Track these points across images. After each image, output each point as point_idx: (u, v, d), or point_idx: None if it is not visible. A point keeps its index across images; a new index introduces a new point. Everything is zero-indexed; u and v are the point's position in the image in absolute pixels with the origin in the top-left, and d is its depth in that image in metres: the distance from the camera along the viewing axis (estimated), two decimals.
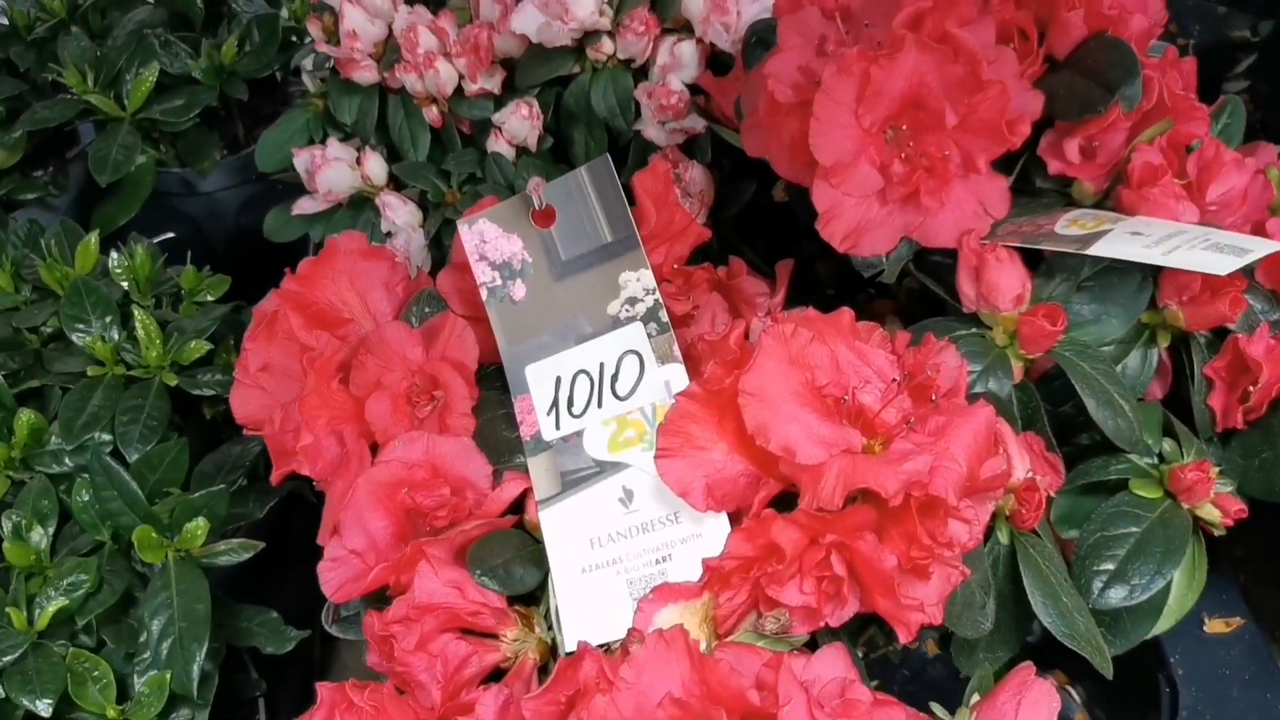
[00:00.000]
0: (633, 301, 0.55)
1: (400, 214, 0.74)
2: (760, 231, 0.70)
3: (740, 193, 0.71)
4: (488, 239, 0.57)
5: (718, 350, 0.51)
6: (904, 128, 0.60)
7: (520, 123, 0.72)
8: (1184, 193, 0.63)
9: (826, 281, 0.76)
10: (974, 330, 0.62)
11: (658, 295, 0.54)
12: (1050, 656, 0.81)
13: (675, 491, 0.50)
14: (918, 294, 0.74)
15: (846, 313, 0.54)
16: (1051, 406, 0.63)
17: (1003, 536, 0.56)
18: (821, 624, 0.50)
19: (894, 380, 0.51)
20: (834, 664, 0.48)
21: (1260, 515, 0.87)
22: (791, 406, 0.49)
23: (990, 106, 0.59)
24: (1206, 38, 1.12)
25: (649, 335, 0.54)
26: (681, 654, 0.44)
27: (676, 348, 0.54)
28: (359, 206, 0.78)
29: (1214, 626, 0.72)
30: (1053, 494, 0.60)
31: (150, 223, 0.97)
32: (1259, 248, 0.58)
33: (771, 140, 0.63)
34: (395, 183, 0.77)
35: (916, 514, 0.48)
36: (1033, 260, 0.63)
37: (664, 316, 0.54)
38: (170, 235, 0.99)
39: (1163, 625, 0.62)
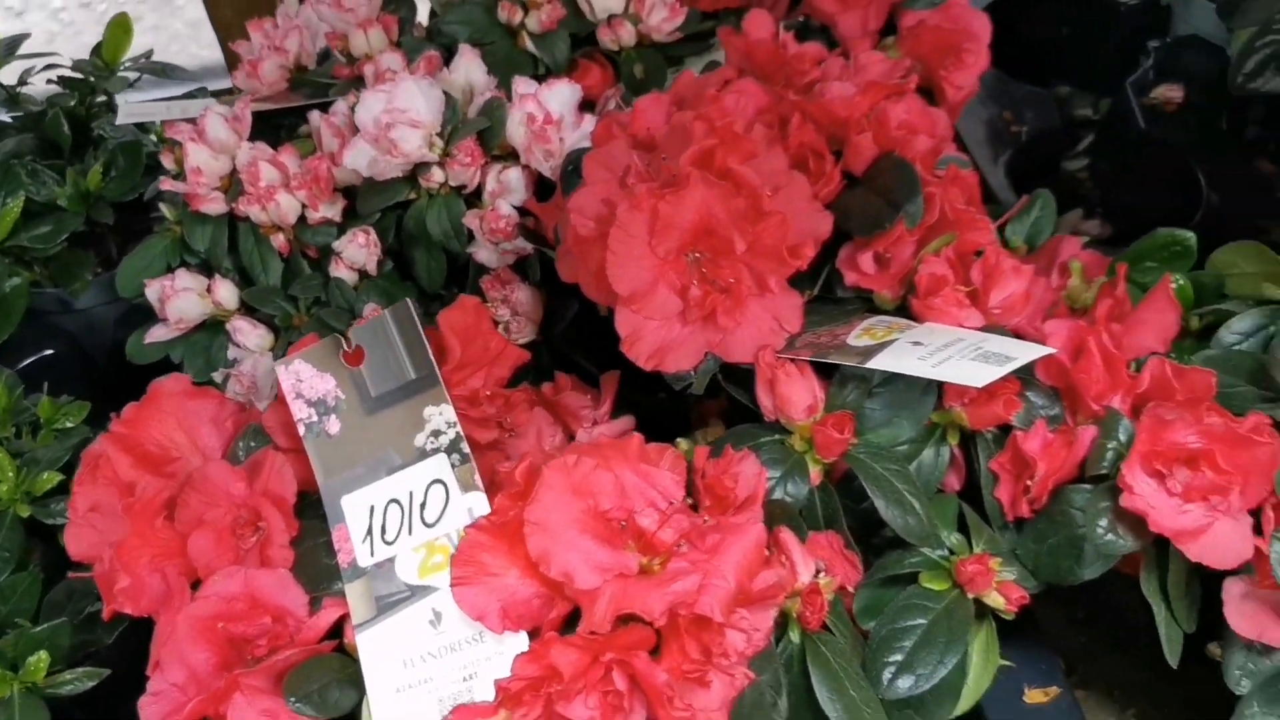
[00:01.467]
0: (437, 434, 0.59)
1: (250, 338, 0.77)
2: (598, 343, 0.74)
3: (565, 310, 0.75)
4: (303, 378, 0.60)
5: (506, 482, 0.55)
6: (700, 253, 0.65)
7: (358, 250, 0.76)
8: (967, 300, 0.68)
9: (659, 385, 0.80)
10: (775, 437, 0.66)
11: (459, 428, 0.58)
12: None
13: (472, 616, 0.54)
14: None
15: (635, 439, 0.58)
16: (855, 504, 0.68)
17: (794, 636, 0.60)
18: None
19: (672, 502, 0.55)
20: None
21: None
22: (571, 534, 0.53)
23: (772, 234, 0.63)
24: (1042, 123, 1.19)
25: (452, 465, 0.58)
26: None
27: (477, 476, 0.58)
28: (215, 329, 0.81)
29: (1033, 697, 0.76)
30: (851, 589, 0.64)
31: (28, 340, 1.00)
32: (1023, 355, 0.63)
33: (580, 268, 0.67)
34: (247, 307, 0.80)
35: (690, 630, 0.52)
36: (831, 368, 0.68)
37: (465, 448, 0.58)
38: (49, 352, 1.01)
39: (963, 705, 0.66)
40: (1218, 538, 0.60)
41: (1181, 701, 0.89)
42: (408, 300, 0.57)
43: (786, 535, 0.59)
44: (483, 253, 0.76)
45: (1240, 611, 0.63)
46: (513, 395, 0.66)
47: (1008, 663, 0.77)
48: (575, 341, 0.76)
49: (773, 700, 0.57)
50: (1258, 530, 0.62)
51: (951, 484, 0.70)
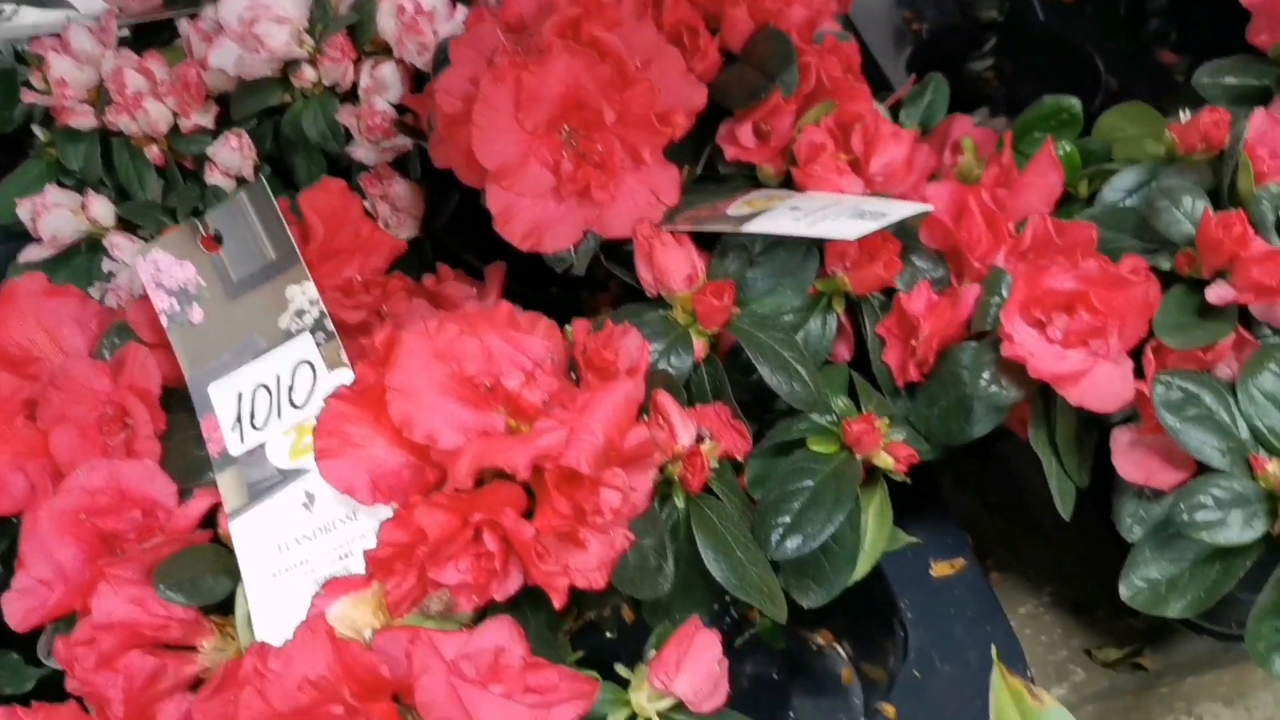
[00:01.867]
0: (300, 314, 0.57)
1: (128, 253, 0.75)
2: (483, 237, 0.73)
3: (446, 204, 0.74)
4: (162, 268, 0.59)
5: (368, 351, 0.53)
6: (571, 128, 0.64)
7: (231, 154, 0.74)
8: (847, 167, 0.68)
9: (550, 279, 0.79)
10: (660, 312, 0.65)
11: (321, 306, 0.57)
12: (814, 617, 0.85)
13: (340, 490, 0.53)
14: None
15: (505, 306, 0.57)
16: (745, 378, 0.67)
17: (679, 502, 0.59)
18: (489, 599, 0.52)
19: (542, 367, 0.54)
20: (496, 636, 0.51)
21: (975, 462, 0.93)
22: (434, 398, 0.52)
23: (640, 102, 0.62)
24: (943, 21, 1.19)
25: (318, 344, 0.57)
26: (324, 641, 0.47)
27: (344, 354, 0.56)
28: (95, 249, 0.79)
29: (940, 570, 0.76)
30: (740, 457, 0.63)
31: None
32: (897, 211, 0.62)
33: (451, 150, 0.66)
34: (126, 223, 0.78)
35: (560, 486, 0.51)
36: (714, 244, 0.67)
37: (329, 325, 0.57)
38: None
39: (861, 570, 0.66)
40: (1097, 381, 0.60)
41: (1092, 578, 0.90)
42: (262, 179, 0.56)
43: (664, 398, 0.58)
44: (361, 151, 0.74)
45: (1128, 459, 0.63)
46: (390, 283, 0.65)
47: (914, 540, 0.78)
48: (458, 235, 0.75)
49: (657, 564, 0.57)
50: (1139, 374, 0.62)
51: (842, 354, 0.69)
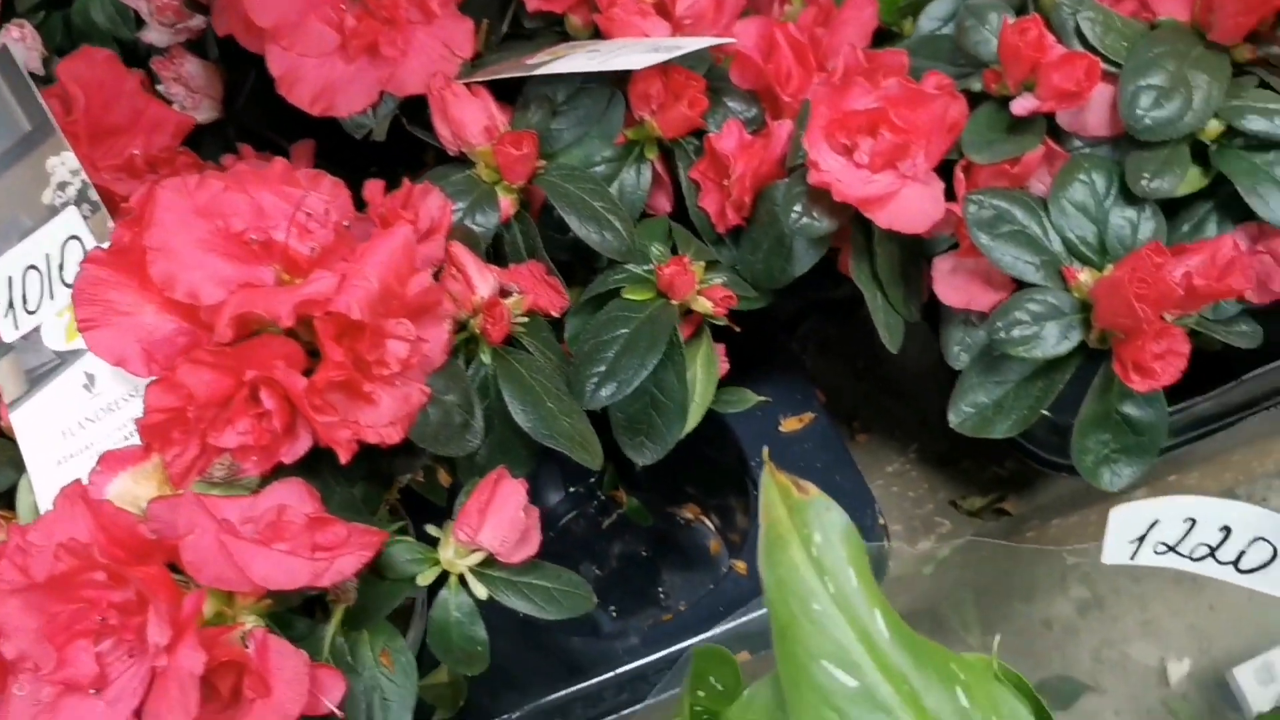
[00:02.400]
0: (63, 186, 0.54)
1: None
2: (288, 116, 0.70)
3: (245, 82, 0.71)
4: None
5: (124, 214, 0.51)
6: None
7: (15, 47, 0.70)
8: (651, 9, 0.65)
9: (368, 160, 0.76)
10: (465, 172, 0.63)
11: (84, 176, 0.54)
12: (681, 494, 0.85)
13: (110, 362, 0.50)
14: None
15: (279, 162, 0.54)
16: (562, 236, 0.65)
17: (486, 357, 0.57)
18: (275, 463, 0.50)
19: (315, 218, 0.52)
20: (281, 496, 0.49)
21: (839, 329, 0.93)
22: (197, 255, 0.49)
23: None
24: None
25: (84, 217, 0.54)
26: (82, 509, 0.44)
27: (112, 224, 0.53)
28: None
29: (789, 425, 0.76)
30: (557, 314, 0.62)
31: None
32: (691, 43, 0.60)
33: (230, 16, 0.63)
34: None
35: (339, 337, 0.49)
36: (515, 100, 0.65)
37: (94, 196, 0.54)
38: None
39: (692, 421, 0.64)
40: (906, 203, 0.59)
41: (950, 433, 0.90)
42: (5, 45, 0.52)
43: (458, 249, 0.56)
44: (154, 35, 0.71)
45: (949, 285, 0.63)
46: (179, 161, 0.62)
47: (764, 399, 0.77)
48: (263, 115, 0.72)
49: (463, 420, 0.55)
50: (951, 196, 0.61)
51: (662, 206, 0.68)
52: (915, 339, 0.65)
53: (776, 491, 0.40)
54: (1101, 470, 0.61)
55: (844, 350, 0.95)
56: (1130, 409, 0.60)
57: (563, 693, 0.68)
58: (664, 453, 0.64)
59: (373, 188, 0.58)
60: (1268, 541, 0.45)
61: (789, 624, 0.39)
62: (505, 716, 0.67)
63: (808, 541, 0.39)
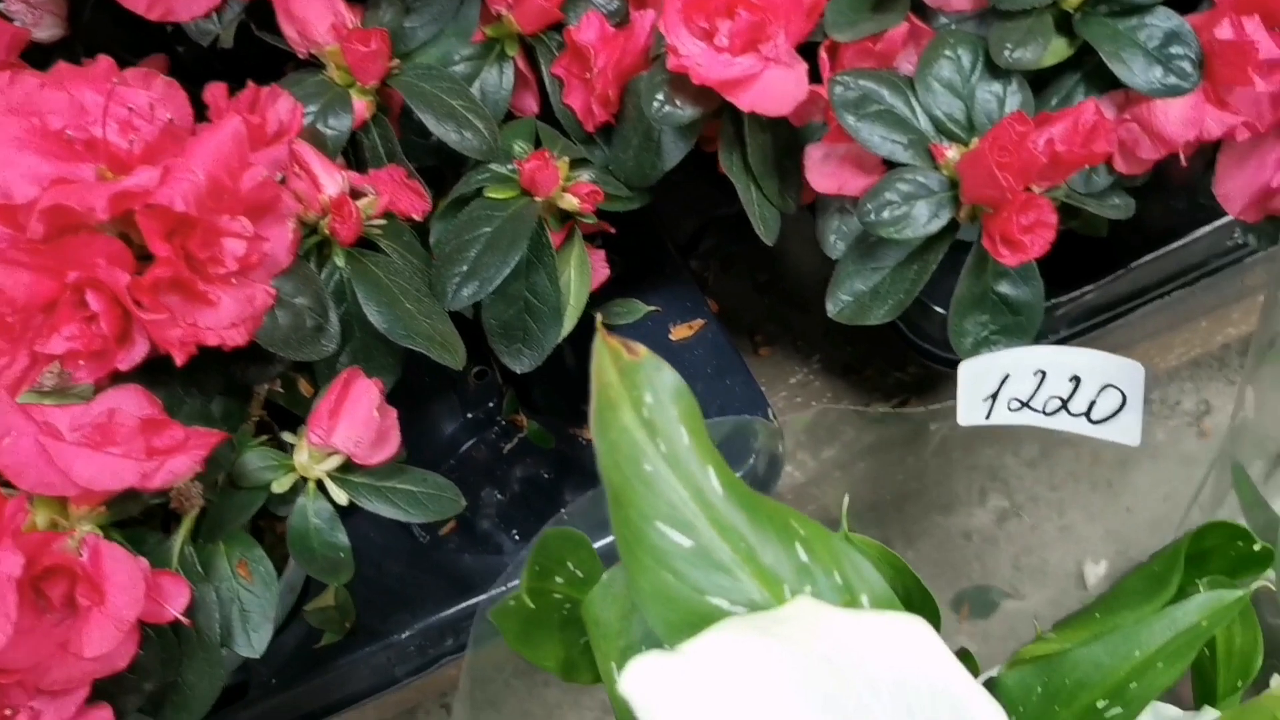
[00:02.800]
0: None
1: None
2: (140, 29, 0.67)
3: None
4: None
5: None
6: None
7: None
8: None
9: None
10: (318, 76, 0.61)
11: None
12: (581, 418, 0.83)
13: None
14: None
15: (105, 59, 0.52)
16: (425, 140, 0.63)
17: (339, 260, 0.55)
18: (110, 369, 0.48)
19: (142, 114, 0.50)
20: (114, 402, 0.47)
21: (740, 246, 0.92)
22: (9, 152, 0.47)
23: None
24: None
25: None
26: None
27: None
28: None
29: (679, 333, 0.75)
30: (419, 217, 0.60)
31: None
32: None
33: None
34: None
35: (173, 237, 0.47)
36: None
37: None
38: None
39: (569, 324, 0.63)
40: (768, 86, 0.57)
41: (852, 341, 0.89)
42: None
43: (303, 146, 0.54)
44: None
45: (821, 172, 0.61)
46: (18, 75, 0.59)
47: (654, 309, 0.76)
48: (111, 32, 0.69)
49: (316, 324, 0.53)
50: (816, 79, 0.60)
51: (529, 107, 0.66)
52: (814, 251, 0.64)
53: (608, 355, 0.39)
54: (981, 351, 0.60)
55: (745, 266, 0.94)
56: (1006, 288, 0.59)
57: (453, 609, 0.67)
58: (541, 358, 0.63)
59: (215, 91, 0.56)
60: (1116, 388, 0.44)
61: (622, 488, 0.38)
62: (395, 636, 0.66)
63: (638, 403, 0.38)
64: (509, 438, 0.84)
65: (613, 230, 0.65)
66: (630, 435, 0.38)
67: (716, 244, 0.95)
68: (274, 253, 0.51)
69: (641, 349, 0.39)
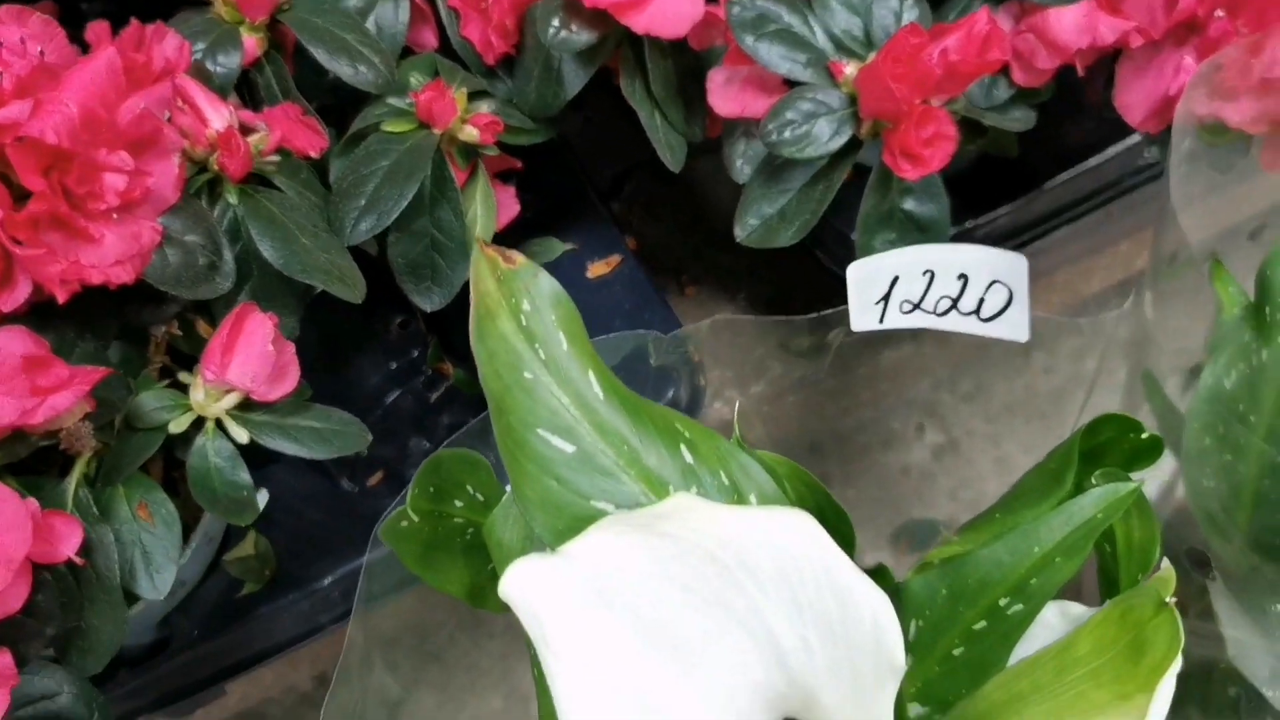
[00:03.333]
0: None
1: None
2: None
3: None
4: None
5: None
6: None
7: None
8: None
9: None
10: (207, 15, 0.59)
11: None
12: None
13: None
14: None
15: None
16: (321, 79, 0.62)
17: (232, 197, 0.54)
18: None
19: (11, 50, 0.48)
20: (4, 343, 0.46)
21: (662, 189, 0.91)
22: None
23: None
24: None
25: None
26: None
27: None
28: None
29: (596, 270, 0.74)
30: (315, 155, 0.59)
31: None
32: None
33: None
34: None
35: (50, 172, 0.46)
36: None
37: None
38: None
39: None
40: (661, 6, 0.57)
41: (776, 277, 0.89)
42: None
43: (187, 82, 0.53)
44: None
45: (724, 96, 0.61)
46: None
47: (570, 247, 0.75)
48: None
49: (209, 261, 0.52)
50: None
51: (429, 42, 0.65)
52: (736, 191, 0.63)
53: (485, 265, 0.39)
54: None
55: (668, 209, 0.94)
56: (911, 205, 0.59)
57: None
58: (451, 295, 0.62)
59: (97, 29, 0.55)
60: (1003, 284, 0.44)
61: (502, 396, 0.38)
62: (317, 583, 0.66)
63: (516, 311, 0.38)
64: (435, 386, 0.84)
65: (520, 166, 0.65)
66: (508, 343, 0.37)
67: (639, 188, 0.95)
68: (159, 189, 0.50)
69: (519, 257, 0.38)
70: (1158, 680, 0.35)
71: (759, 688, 0.38)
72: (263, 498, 0.69)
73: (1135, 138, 0.76)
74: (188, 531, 0.62)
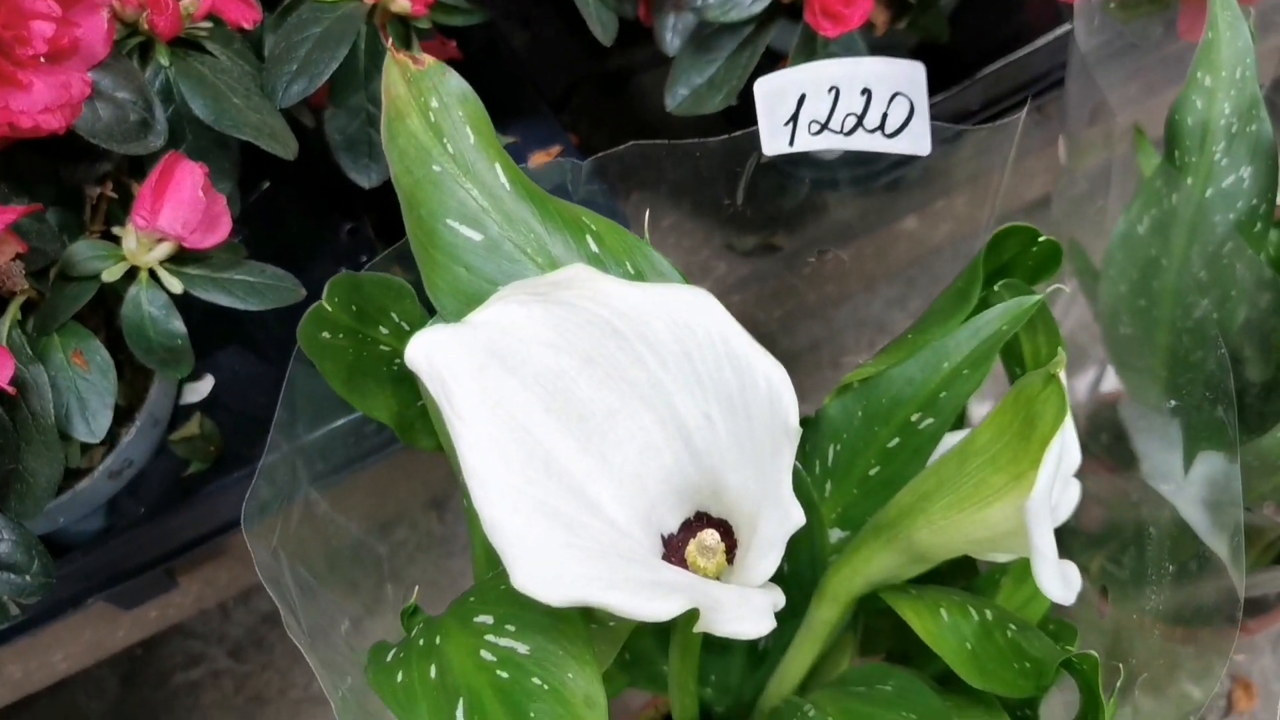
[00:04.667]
0: None
1: None
2: None
3: None
4: None
5: None
6: None
7: None
8: None
9: None
10: None
11: None
12: None
13: None
14: None
15: None
16: None
17: (164, 59, 0.55)
18: None
19: None
20: None
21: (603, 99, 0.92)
22: None
23: None
24: None
25: None
26: None
27: None
28: None
29: (537, 159, 0.75)
30: (249, 26, 0.60)
31: None
32: None
33: None
34: None
35: None
36: None
37: None
38: None
39: None
40: None
41: (727, 180, 0.90)
42: None
43: None
44: None
45: None
46: None
47: (512, 139, 0.76)
48: None
49: (140, 118, 0.53)
50: None
51: None
52: None
53: (396, 70, 0.40)
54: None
55: (615, 121, 0.95)
56: None
57: (321, 430, 0.67)
58: (388, 173, 0.63)
59: None
60: (904, 96, 0.46)
61: (413, 190, 0.39)
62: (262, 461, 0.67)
63: (425, 109, 0.39)
64: None
65: (459, 56, 0.66)
66: (418, 139, 0.39)
67: (585, 101, 0.96)
68: (88, 41, 0.51)
69: (428, 59, 0.39)
70: (1043, 450, 0.37)
71: (669, 475, 0.39)
72: (208, 383, 0.70)
73: (1065, 28, 0.77)
74: (132, 411, 0.63)
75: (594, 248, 0.39)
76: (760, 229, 0.87)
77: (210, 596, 0.82)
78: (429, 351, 0.34)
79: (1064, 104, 0.60)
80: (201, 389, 0.69)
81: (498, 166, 0.39)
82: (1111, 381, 0.74)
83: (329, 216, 0.81)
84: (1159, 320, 0.57)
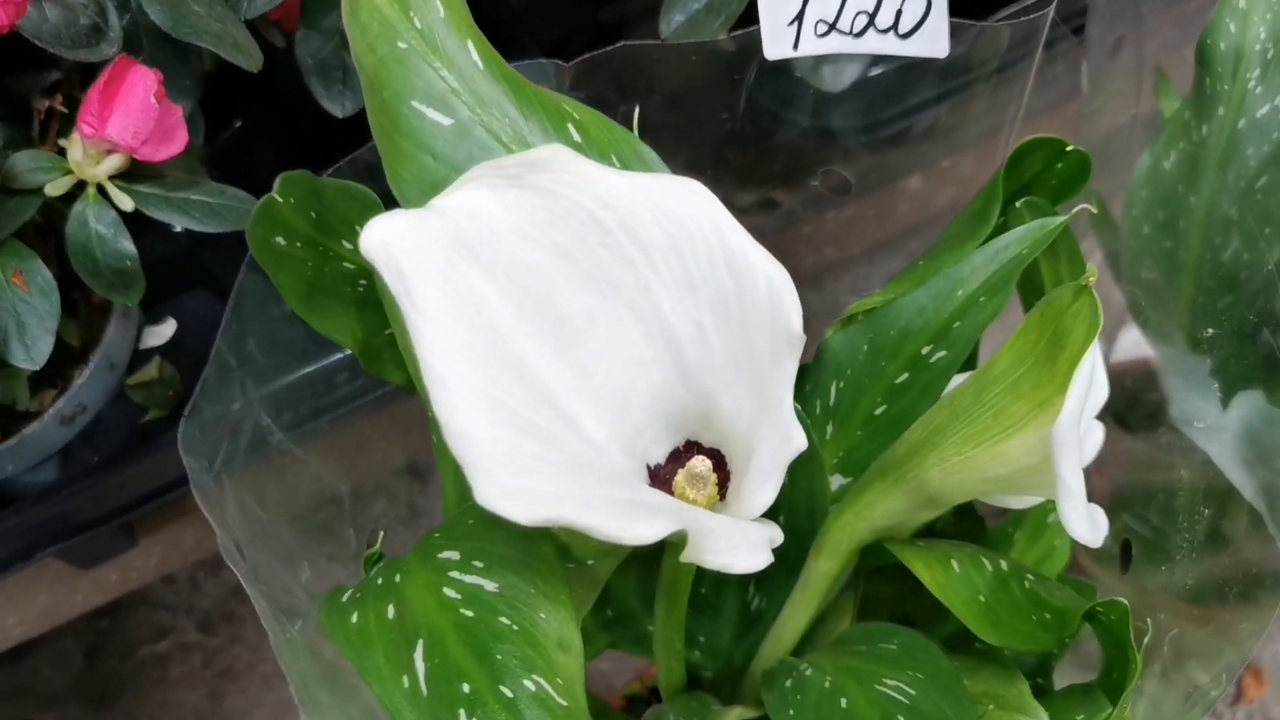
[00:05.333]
0: None
1: None
2: None
3: None
4: None
5: None
6: None
7: None
8: None
9: None
10: None
11: None
12: None
13: None
14: None
15: None
16: None
17: None
18: None
19: None
20: None
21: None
22: None
23: None
24: None
25: None
26: None
27: None
28: None
29: None
30: None
31: None
32: None
33: None
34: None
35: None
36: None
37: None
38: None
39: None
40: None
41: (728, 137, 0.87)
42: None
43: None
44: None
45: None
46: None
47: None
48: None
49: (92, 23, 0.49)
50: None
51: None
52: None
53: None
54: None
55: (610, 73, 0.91)
56: None
57: (289, 377, 0.64)
58: (363, 99, 0.59)
59: None
60: None
61: (375, 70, 0.35)
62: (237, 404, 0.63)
63: None
64: None
65: None
66: (381, 12, 0.35)
67: (582, 48, 0.92)
68: None
69: None
70: (1072, 371, 0.33)
71: (657, 398, 0.35)
72: (170, 327, 0.66)
73: None
74: (86, 352, 0.59)
75: (576, 137, 0.35)
76: (764, 182, 0.83)
77: (174, 559, 0.78)
78: (386, 239, 0.30)
79: (1085, 35, 0.56)
80: (163, 332, 0.64)
81: (470, 44, 0.35)
82: (1124, 350, 0.70)
83: (303, 159, 0.77)
84: (1184, 264, 0.54)
